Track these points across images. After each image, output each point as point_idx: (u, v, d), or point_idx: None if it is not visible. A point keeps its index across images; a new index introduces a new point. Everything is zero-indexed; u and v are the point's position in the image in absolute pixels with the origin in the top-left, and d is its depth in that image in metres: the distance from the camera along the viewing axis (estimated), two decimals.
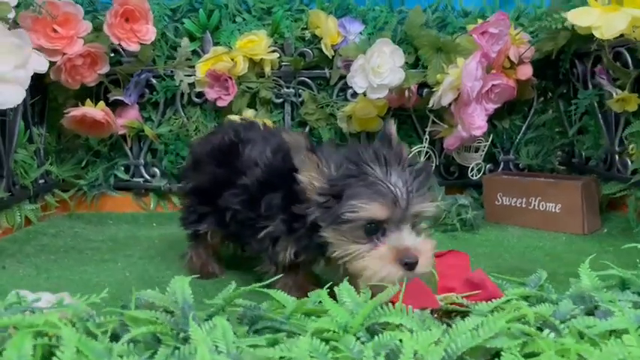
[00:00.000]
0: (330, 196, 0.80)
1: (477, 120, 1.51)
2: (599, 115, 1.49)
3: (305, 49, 1.65)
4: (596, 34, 1.09)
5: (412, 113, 1.68)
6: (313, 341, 0.58)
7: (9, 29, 1.01)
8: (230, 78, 1.54)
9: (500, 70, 1.55)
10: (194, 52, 1.62)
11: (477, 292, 0.72)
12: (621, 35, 1.22)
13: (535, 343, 0.61)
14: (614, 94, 1.30)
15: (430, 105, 1.54)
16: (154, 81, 1.63)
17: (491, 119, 1.67)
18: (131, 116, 1.62)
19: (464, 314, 0.71)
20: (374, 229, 0.79)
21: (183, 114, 1.65)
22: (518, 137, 1.72)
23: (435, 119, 1.62)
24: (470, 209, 1.45)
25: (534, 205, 1.50)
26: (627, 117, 1.38)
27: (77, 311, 0.64)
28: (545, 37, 1.55)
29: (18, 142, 1.40)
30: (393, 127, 0.87)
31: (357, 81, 1.48)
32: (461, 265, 0.79)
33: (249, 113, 1.63)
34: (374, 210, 0.77)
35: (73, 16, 1.39)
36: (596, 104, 1.50)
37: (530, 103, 1.72)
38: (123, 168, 1.70)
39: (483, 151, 1.66)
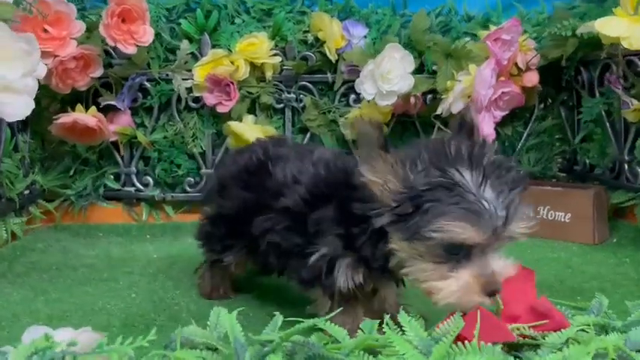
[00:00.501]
0: (408, 205, 0.68)
1: (485, 128, 1.48)
2: (607, 124, 1.48)
3: (308, 52, 1.58)
4: (625, 44, 1.07)
5: (416, 120, 1.63)
6: None
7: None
8: (232, 83, 1.46)
9: (508, 77, 1.52)
10: (191, 54, 1.54)
11: (544, 322, 0.68)
12: None
13: None
14: (630, 104, 1.29)
15: (439, 112, 1.50)
16: (147, 85, 1.54)
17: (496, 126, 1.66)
18: (123, 122, 1.52)
19: (534, 346, 0.66)
20: (458, 250, 0.68)
21: (179, 120, 1.56)
22: (520, 144, 1.70)
23: (442, 126, 1.58)
24: None
25: (543, 214, 1.48)
26: (638, 126, 1.38)
27: (121, 355, 0.56)
28: (552, 44, 1.54)
29: (4, 151, 1.30)
30: (474, 113, 0.74)
31: (367, 87, 1.43)
32: (524, 289, 0.74)
33: (248, 119, 1.55)
34: (466, 234, 0.66)
35: (66, 15, 1.29)
36: (603, 112, 1.49)
37: (532, 110, 1.70)
38: (113, 176, 1.60)
39: None
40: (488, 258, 0.69)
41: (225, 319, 0.66)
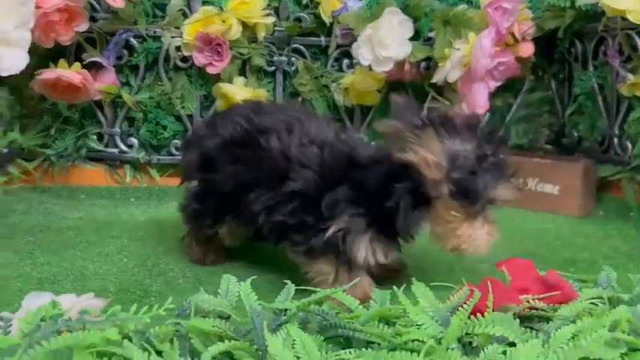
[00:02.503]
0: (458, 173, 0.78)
1: (480, 98, 1.47)
2: (599, 97, 1.49)
3: (301, 13, 1.53)
4: (630, 17, 1.07)
5: (409, 88, 1.61)
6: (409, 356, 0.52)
7: None
8: (224, 43, 1.41)
9: (504, 47, 1.51)
10: (180, 11, 1.47)
11: (554, 293, 0.68)
12: None
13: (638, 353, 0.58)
14: (626, 78, 1.29)
15: (435, 81, 1.48)
16: (134, 42, 1.47)
17: None
18: (108, 80, 1.45)
19: (545, 319, 0.67)
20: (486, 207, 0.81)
21: (166, 80, 1.50)
22: (510, 115, 1.70)
23: (435, 95, 1.56)
24: None
25: (532, 186, 1.49)
26: (630, 101, 1.38)
27: (137, 324, 0.54)
28: (549, 15, 1.52)
29: None
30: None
31: (363, 52, 1.40)
32: (527, 267, 0.74)
33: (239, 81, 1.51)
34: (507, 193, 0.80)
35: None
36: (596, 86, 1.49)
37: (523, 82, 1.69)
38: (96, 137, 1.54)
39: None
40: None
41: (235, 286, 0.64)
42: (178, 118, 1.54)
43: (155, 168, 1.57)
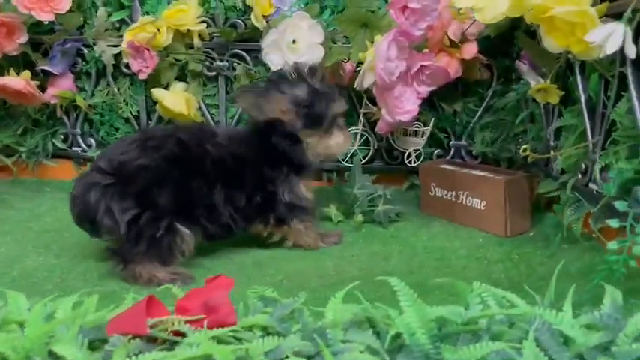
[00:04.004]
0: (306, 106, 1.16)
1: (405, 104, 1.38)
2: (542, 104, 1.31)
3: (237, 19, 1.55)
4: (478, 17, 0.94)
5: (350, 92, 1.56)
6: None
7: None
8: (148, 49, 1.48)
9: (439, 49, 1.40)
10: (123, 21, 1.58)
11: (202, 317, 0.65)
12: None
13: None
14: (531, 83, 1.14)
15: (355, 85, 1.42)
16: (85, 50, 1.61)
17: (439, 102, 1.54)
18: (64, 86, 1.61)
19: (175, 342, 0.64)
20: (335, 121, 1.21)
21: (113, 85, 1.62)
22: (473, 122, 1.56)
23: (367, 101, 1.49)
24: (382, 202, 1.34)
25: (462, 199, 1.37)
26: (560, 108, 1.21)
27: None
28: None
29: None
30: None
31: (272, 58, 1.38)
32: (227, 285, 0.71)
33: (178, 86, 1.57)
34: (342, 106, 1.24)
35: None
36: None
37: (488, 85, 1.54)
38: (62, 137, 1.71)
39: (425, 135, 1.52)
40: None
41: None
42: (128, 121, 1.66)
43: None
